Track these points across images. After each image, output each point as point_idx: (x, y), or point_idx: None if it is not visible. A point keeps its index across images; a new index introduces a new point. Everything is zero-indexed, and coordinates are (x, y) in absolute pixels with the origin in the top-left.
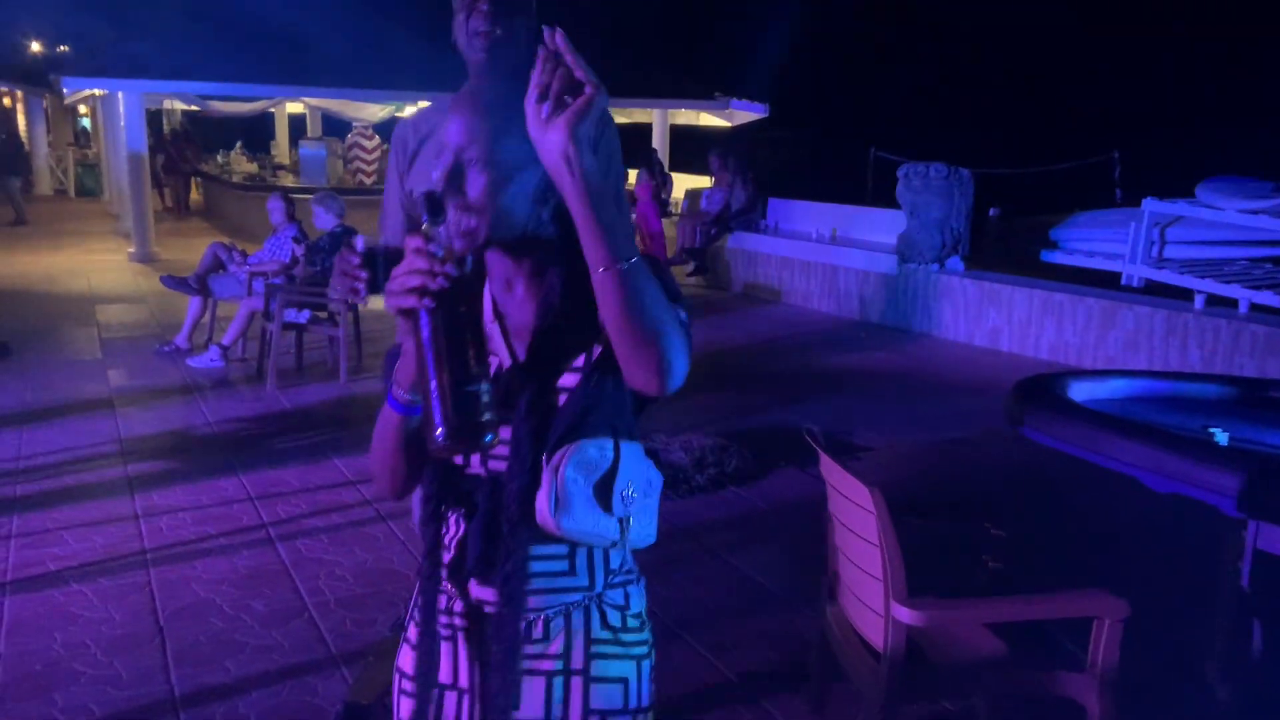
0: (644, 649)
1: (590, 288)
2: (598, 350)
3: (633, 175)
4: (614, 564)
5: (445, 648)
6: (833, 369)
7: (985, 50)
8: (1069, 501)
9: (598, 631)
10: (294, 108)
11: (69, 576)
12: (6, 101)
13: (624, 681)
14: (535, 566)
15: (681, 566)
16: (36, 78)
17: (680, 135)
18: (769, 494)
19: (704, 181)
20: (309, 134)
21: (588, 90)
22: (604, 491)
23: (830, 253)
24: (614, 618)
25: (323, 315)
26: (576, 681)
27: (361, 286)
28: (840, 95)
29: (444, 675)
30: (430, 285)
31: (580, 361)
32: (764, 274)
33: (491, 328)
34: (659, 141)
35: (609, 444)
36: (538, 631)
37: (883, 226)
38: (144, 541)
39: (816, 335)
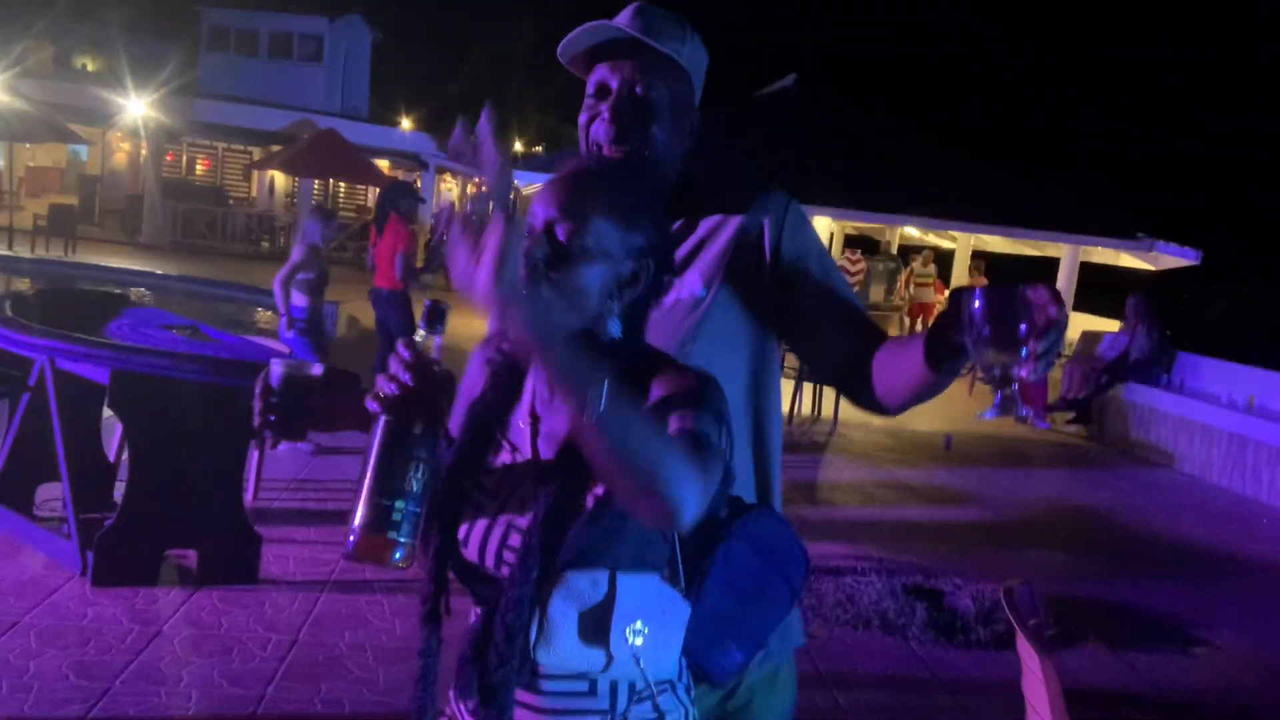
0: None
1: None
2: None
3: None
4: (639, 685)
5: None
6: (1212, 552)
7: None
8: None
9: None
10: None
11: (377, 586)
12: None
13: None
14: (550, 686)
15: (927, 719)
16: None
17: (1093, 274)
18: (1061, 669)
19: (1105, 324)
20: None
21: (495, 230)
22: (597, 626)
23: (1242, 422)
24: None
25: None
26: None
27: (260, 423)
28: None
29: None
30: (381, 390)
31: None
32: (1156, 434)
33: (523, 428)
34: (1066, 278)
35: (604, 576)
36: None
37: None
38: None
39: (1205, 511)
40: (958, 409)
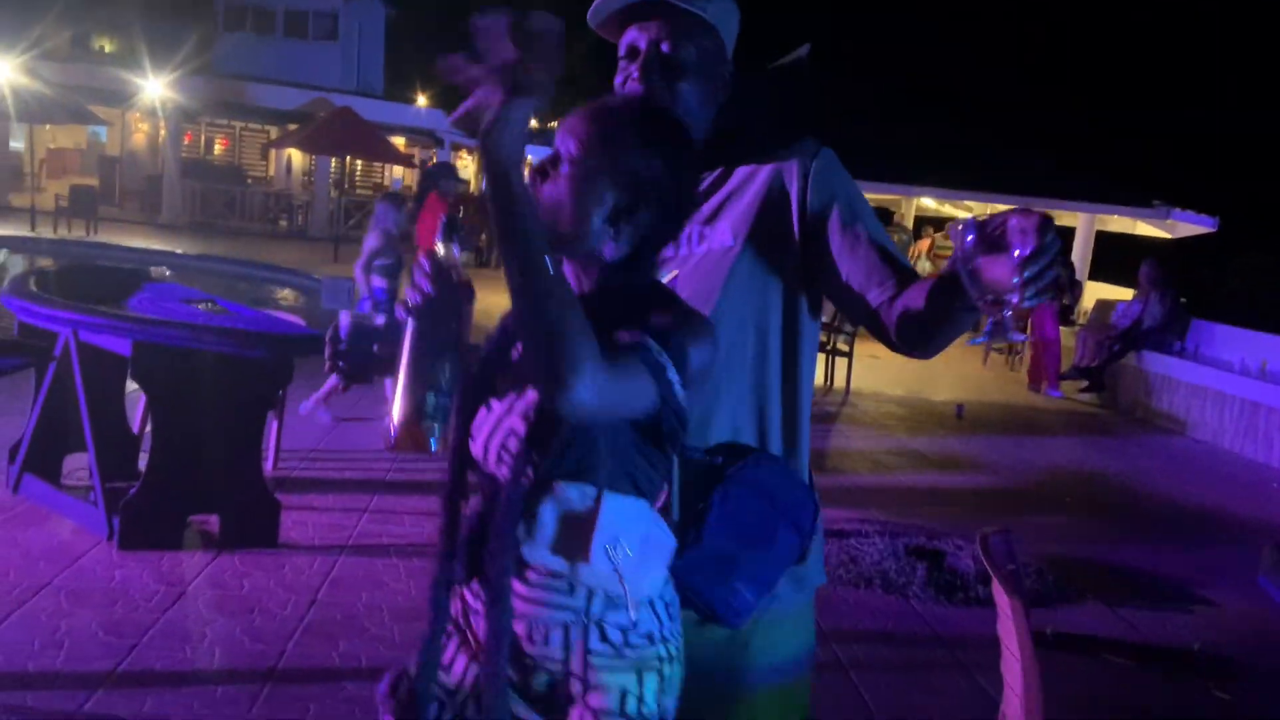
0: (651, 661)
1: (637, 324)
2: None
3: None
4: (615, 591)
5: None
6: (1221, 516)
7: None
8: None
9: (595, 644)
10: None
11: (393, 551)
12: None
13: (622, 690)
14: (534, 578)
15: (924, 673)
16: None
17: (1110, 242)
18: (1057, 624)
19: (1120, 293)
20: None
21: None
22: (577, 537)
23: (1255, 388)
24: (614, 635)
25: None
26: (575, 681)
27: (330, 367)
28: None
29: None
30: (408, 298)
31: None
32: (1169, 401)
33: None
34: (1082, 246)
35: (591, 491)
36: (538, 635)
37: None
38: None
39: (1215, 476)
40: (971, 379)
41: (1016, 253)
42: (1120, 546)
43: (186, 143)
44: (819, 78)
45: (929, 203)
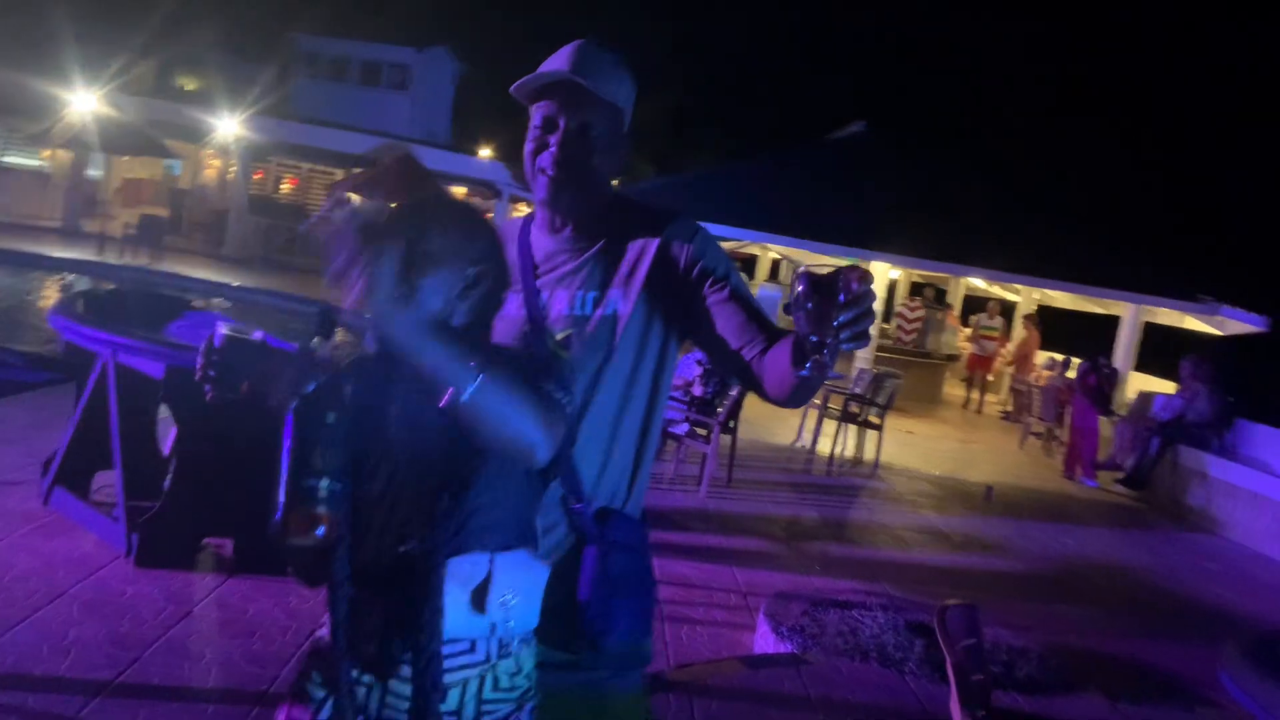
0: (527, 694)
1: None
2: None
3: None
4: (506, 639)
5: None
6: (1242, 618)
7: None
8: None
9: (489, 693)
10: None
11: None
12: None
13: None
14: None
15: None
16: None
17: (1157, 335)
18: (1049, 712)
19: (1164, 386)
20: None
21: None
22: (480, 599)
23: None
24: (505, 680)
25: (701, 432)
26: None
27: (201, 376)
28: None
29: None
30: (297, 390)
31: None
32: (1204, 498)
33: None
34: (1127, 337)
35: (484, 559)
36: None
37: None
38: None
39: (1242, 578)
40: (1006, 462)
41: (842, 301)
42: (1134, 640)
43: (256, 180)
44: (874, 154)
45: (978, 283)
